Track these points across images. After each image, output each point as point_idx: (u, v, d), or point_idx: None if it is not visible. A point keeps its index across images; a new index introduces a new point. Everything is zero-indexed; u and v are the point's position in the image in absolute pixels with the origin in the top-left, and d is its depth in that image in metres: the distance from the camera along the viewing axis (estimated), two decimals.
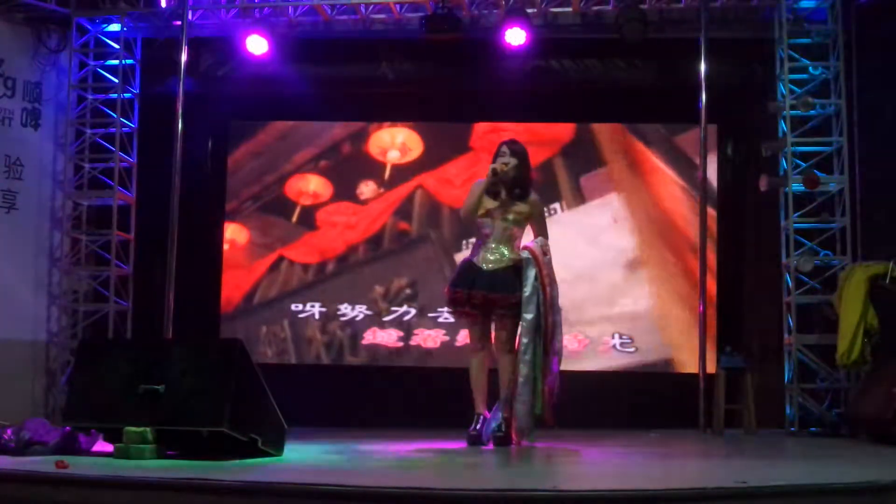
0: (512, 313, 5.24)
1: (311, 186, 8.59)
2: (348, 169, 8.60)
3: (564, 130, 8.46)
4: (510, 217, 5.40)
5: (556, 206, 8.28)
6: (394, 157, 8.55)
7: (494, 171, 5.34)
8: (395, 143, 8.57)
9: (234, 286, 8.54)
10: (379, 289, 8.38)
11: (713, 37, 7.23)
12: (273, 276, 8.52)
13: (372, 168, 8.55)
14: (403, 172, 8.49)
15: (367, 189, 8.55)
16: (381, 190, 8.51)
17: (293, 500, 3.03)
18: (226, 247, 8.58)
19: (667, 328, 8.00)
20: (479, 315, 5.40)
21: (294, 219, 8.57)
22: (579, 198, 8.32)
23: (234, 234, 8.61)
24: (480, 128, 8.46)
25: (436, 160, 8.46)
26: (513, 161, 5.39)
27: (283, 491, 3.07)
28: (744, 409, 6.78)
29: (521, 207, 5.42)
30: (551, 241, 5.49)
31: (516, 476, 3.91)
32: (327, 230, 8.54)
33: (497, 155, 5.46)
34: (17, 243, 7.59)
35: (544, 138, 8.38)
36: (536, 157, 8.22)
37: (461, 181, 8.40)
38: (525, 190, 5.44)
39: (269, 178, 8.64)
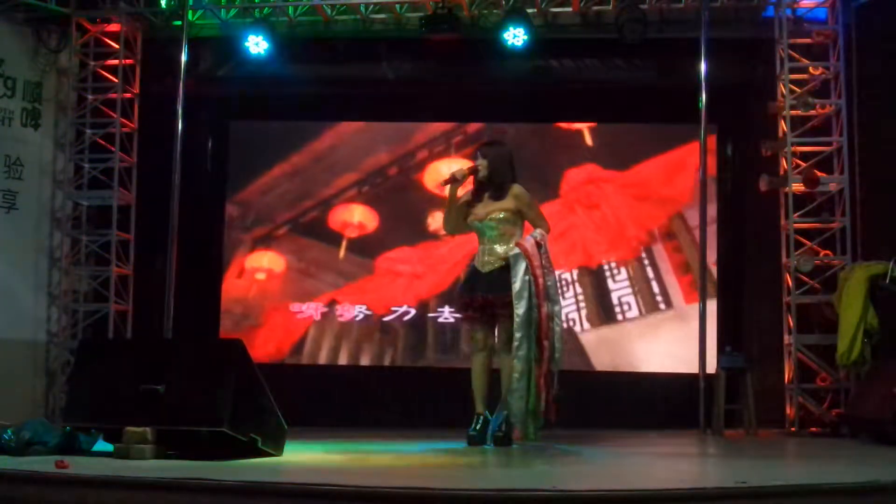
0: (509, 312, 5.24)
1: (356, 217, 8.29)
2: (402, 204, 8.17)
3: (684, 186, 8.00)
4: (496, 216, 5.43)
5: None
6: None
7: (453, 179, 5.41)
8: None
9: (284, 332, 8.20)
10: None
11: (713, 37, 7.22)
12: (327, 326, 8.19)
13: (432, 204, 8.08)
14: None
15: (429, 230, 8.10)
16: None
17: (293, 500, 3.02)
18: (262, 276, 8.36)
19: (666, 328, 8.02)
20: (483, 316, 5.42)
21: (341, 254, 8.30)
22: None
23: (271, 262, 8.36)
24: (574, 175, 8.07)
25: None
26: (483, 163, 5.43)
27: (283, 491, 3.07)
28: (744, 409, 6.78)
29: (505, 204, 5.44)
30: None
31: (516, 476, 3.91)
32: (392, 279, 8.14)
33: (474, 159, 5.52)
34: (17, 243, 7.59)
35: (661, 195, 7.97)
36: (651, 220, 7.98)
37: (552, 237, 7.94)
38: (502, 188, 5.46)
39: (307, 203, 8.40)
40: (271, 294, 8.37)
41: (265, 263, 8.39)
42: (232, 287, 8.42)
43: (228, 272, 8.43)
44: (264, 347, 8.19)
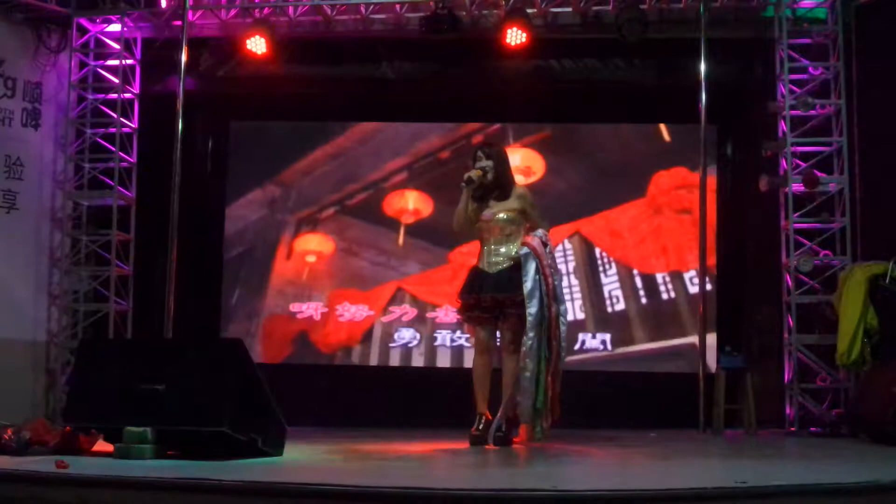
0: (518, 311, 5.24)
1: (411, 204, 8.24)
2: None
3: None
4: (501, 216, 5.44)
5: None
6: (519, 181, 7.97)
7: (469, 180, 5.40)
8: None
9: (352, 322, 8.15)
10: None
11: (713, 37, 7.23)
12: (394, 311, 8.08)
13: None
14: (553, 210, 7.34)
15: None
16: None
17: (293, 500, 3.02)
18: (312, 259, 8.34)
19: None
20: (490, 317, 5.42)
21: (400, 241, 8.24)
22: None
23: (319, 245, 8.32)
24: (662, 179, 8.01)
25: (593, 198, 8.05)
26: (489, 164, 5.45)
27: (283, 491, 3.07)
28: (744, 409, 6.78)
29: (509, 204, 5.46)
30: None
31: (516, 476, 3.91)
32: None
33: (474, 161, 5.51)
34: (17, 243, 7.59)
35: None
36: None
37: (635, 238, 7.82)
38: (505, 189, 5.48)
39: (352, 186, 8.36)
40: (322, 278, 8.33)
41: (313, 246, 8.36)
42: (282, 268, 8.40)
43: (278, 253, 8.41)
44: (334, 334, 8.22)
